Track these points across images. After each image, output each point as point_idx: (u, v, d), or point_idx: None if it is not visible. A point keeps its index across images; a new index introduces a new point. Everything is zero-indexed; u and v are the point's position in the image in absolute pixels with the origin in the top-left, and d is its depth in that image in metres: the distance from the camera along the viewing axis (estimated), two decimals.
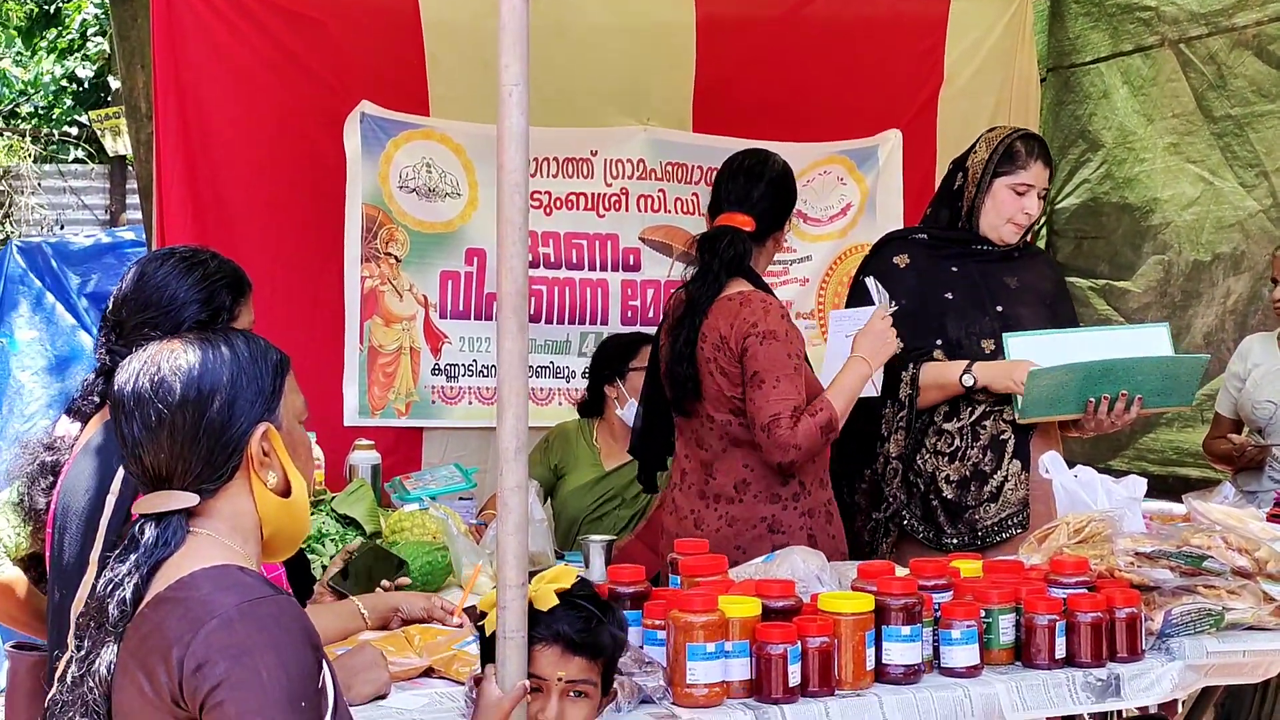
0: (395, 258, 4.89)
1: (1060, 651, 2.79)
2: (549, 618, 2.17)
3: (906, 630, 2.68)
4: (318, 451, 4.12)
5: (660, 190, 5.23)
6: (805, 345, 3.62)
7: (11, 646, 2.84)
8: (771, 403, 3.44)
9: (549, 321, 5.11)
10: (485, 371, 4.98)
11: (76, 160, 11.26)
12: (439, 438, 4.95)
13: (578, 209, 5.15)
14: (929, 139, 5.54)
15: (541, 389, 5.08)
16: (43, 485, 2.55)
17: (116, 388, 1.95)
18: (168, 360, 1.93)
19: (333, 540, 3.60)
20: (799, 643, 2.58)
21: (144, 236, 7.14)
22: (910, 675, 2.68)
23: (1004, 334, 3.76)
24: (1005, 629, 2.80)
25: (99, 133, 10.26)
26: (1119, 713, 4.87)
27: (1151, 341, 3.80)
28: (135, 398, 1.92)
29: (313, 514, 3.71)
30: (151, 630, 1.83)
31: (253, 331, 2.19)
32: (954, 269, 3.93)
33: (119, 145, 10.04)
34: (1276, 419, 4.27)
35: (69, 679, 1.90)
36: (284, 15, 4.71)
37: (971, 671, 2.73)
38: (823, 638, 2.60)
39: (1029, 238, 4.15)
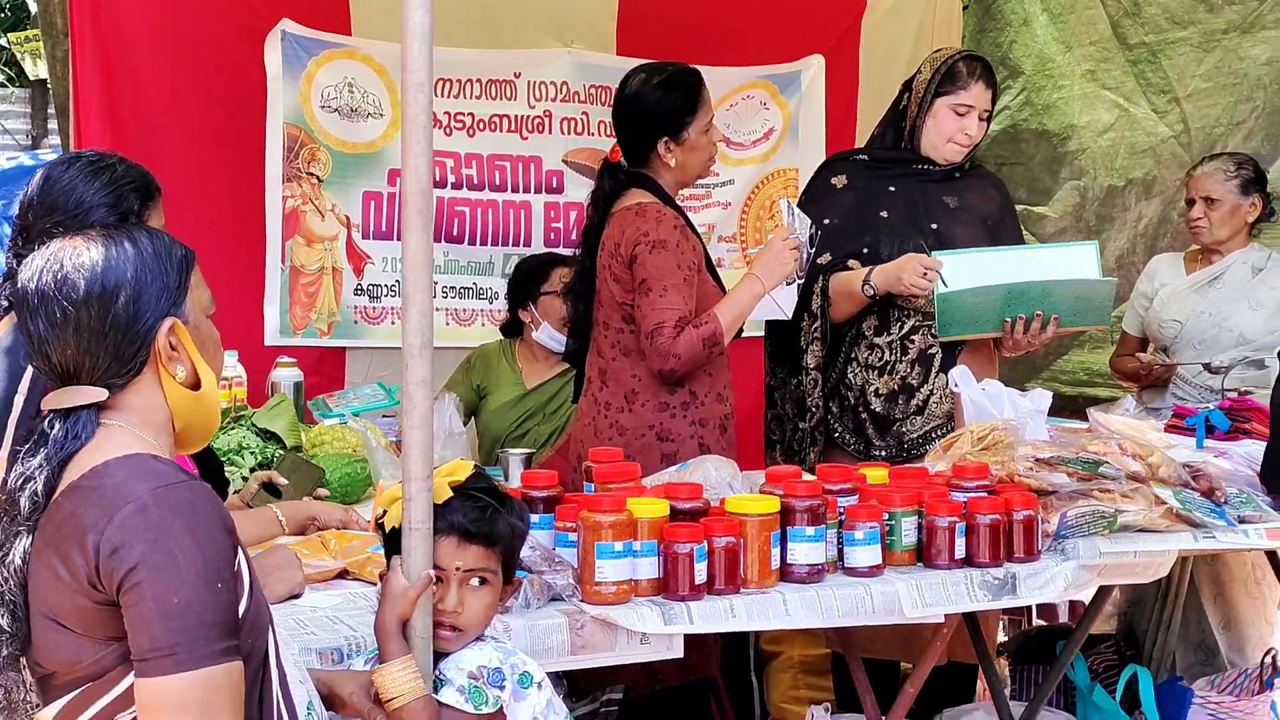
0: (317, 177, 4.88)
1: (960, 552, 2.87)
2: (445, 509, 2.20)
3: (811, 531, 2.75)
4: (240, 369, 4.14)
5: (584, 113, 5.25)
6: (701, 257, 3.67)
7: None
8: (656, 311, 3.51)
9: (472, 243, 5.13)
10: None
11: None
12: (362, 357, 4.97)
13: (501, 131, 5.16)
14: (852, 65, 5.60)
15: (465, 310, 5.11)
16: None
17: (20, 285, 1.95)
18: (71, 257, 1.94)
19: (252, 453, 3.62)
20: (705, 542, 2.64)
21: None
22: (814, 575, 2.76)
23: (934, 252, 3.81)
24: (907, 531, 2.88)
25: (19, 56, 10.09)
26: (1029, 619, 5.04)
27: (1078, 260, 3.86)
28: (39, 294, 1.93)
29: (233, 429, 3.74)
30: (66, 518, 1.85)
31: (112, 225, 2.21)
32: (891, 188, 3.98)
33: (39, 69, 9.88)
34: (1181, 337, 4.38)
35: None
36: None
37: (874, 571, 2.82)
38: (729, 538, 2.67)
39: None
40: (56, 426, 1.92)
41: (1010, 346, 3.82)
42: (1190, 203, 4.48)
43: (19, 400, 2.33)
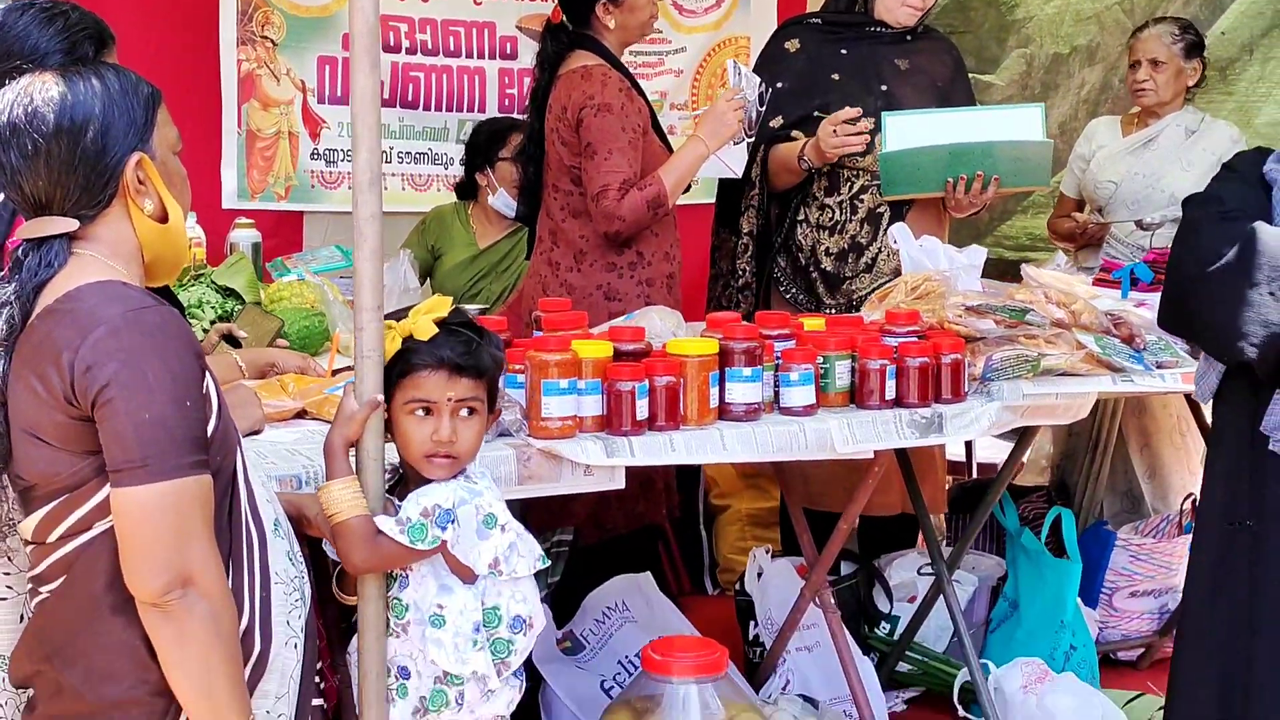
0: (272, 41, 4.91)
1: (890, 394, 3.02)
2: (431, 345, 2.29)
3: (748, 372, 2.89)
4: (199, 231, 4.22)
5: None
6: (647, 119, 3.75)
7: None
8: (601, 174, 3.62)
9: (427, 108, 5.18)
10: None
11: None
12: (319, 221, 5.04)
13: None
14: None
15: (420, 175, 5.18)
16: None
17: None
18: (40, 91, 2.02)
19: (212, 308, 3.72)
20: (647, 381, 2.77)
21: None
22: (751, 413, 2.90)
23: (883, 114, 3.89)
24: (841, 374, 3.02)
25: None
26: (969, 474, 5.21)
27: (1024, 122, 3.94)
28: (11, 127, 2.02)
29: (192, 285, 3.84)
30: (42, 339, 1.96)
31: (81, 63, 2.28)
32: (843, 51, 4.06)
33: None
34: (1116, 198, 4.50)
35: None
36: None
37: (808, 410, 2.96)
38: (669, 377, 2.80)
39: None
40: (30, 255, 2.02)
41: (954, 206, 3.93)
42: (1135, 65, 4.55)
43: None
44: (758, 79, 3.82)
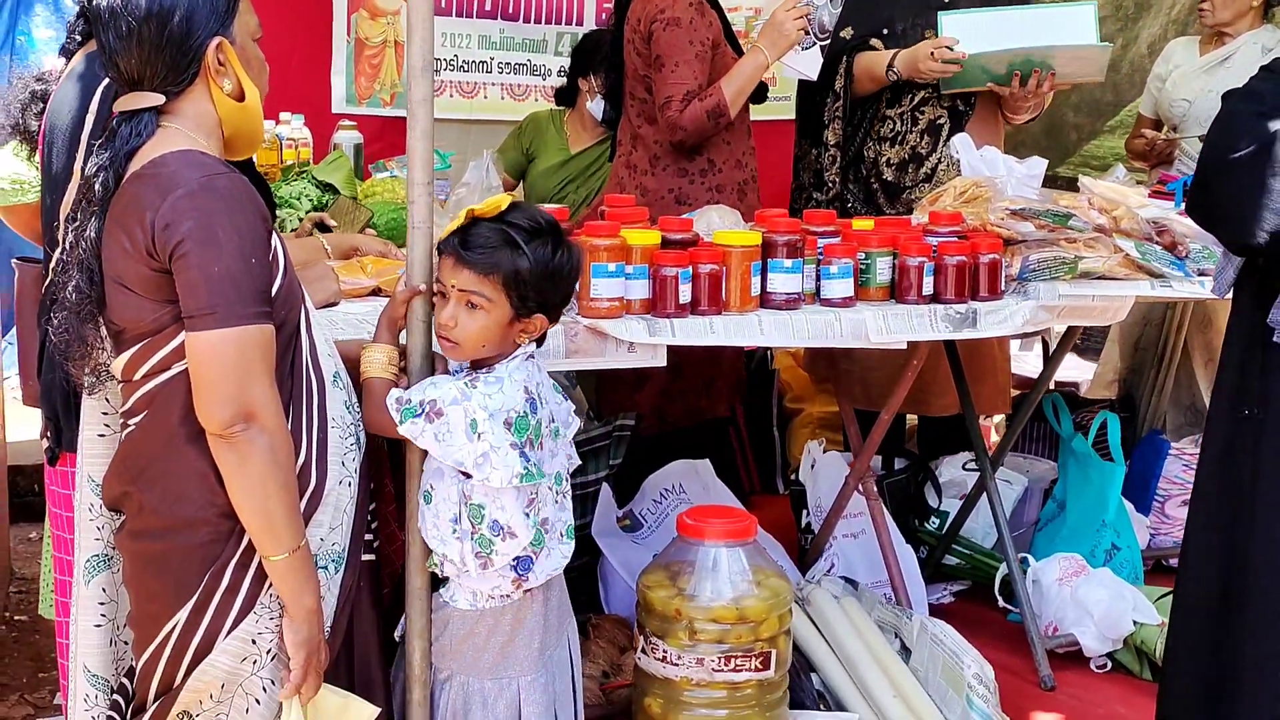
0: None
1: (928, 290, 3.18)
2: (461, 230, 2.47)
3: (789, 263, 3.08)
4: (306, 133, 4.49)
5: None
6: (718, 32, 3.88)
7: (18, 260, 3.27)
8: (667, 85, 3.79)
9: (527, 21, 5.38)
10: (465, 67, 5.29)
11: None
12: None
13: None
14: None
15: (519, 85, 5.40)
16: (34, 110, 2.94)
17: (95, 2, 2.31)
18: None
19: (309, 200, 3.98)
20: (691, 268, 2.98)
21: None
22: (790, 303, 3.09)
23: (940, 12, 3.99)
24: (881, 270, 3.19)
25: None
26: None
27: (1078, 20, 4.03)
28: (110, 11, 2.29)
29: (294, 180, 4.11)
30: (130, 200, 2.23)
31: None
32: None
33: None
34: (1189, 115, 4.56)
35: (67, 246, 2.32)
36: None
37: (846, 302, 3.14)
38: (712, 265, 3.00)
39: None
40: (123, 126, 2.30)
41: (1012, 106, 4.02)
42: None
43: (89, 119, 2.70)
44: None
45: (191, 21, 2.27)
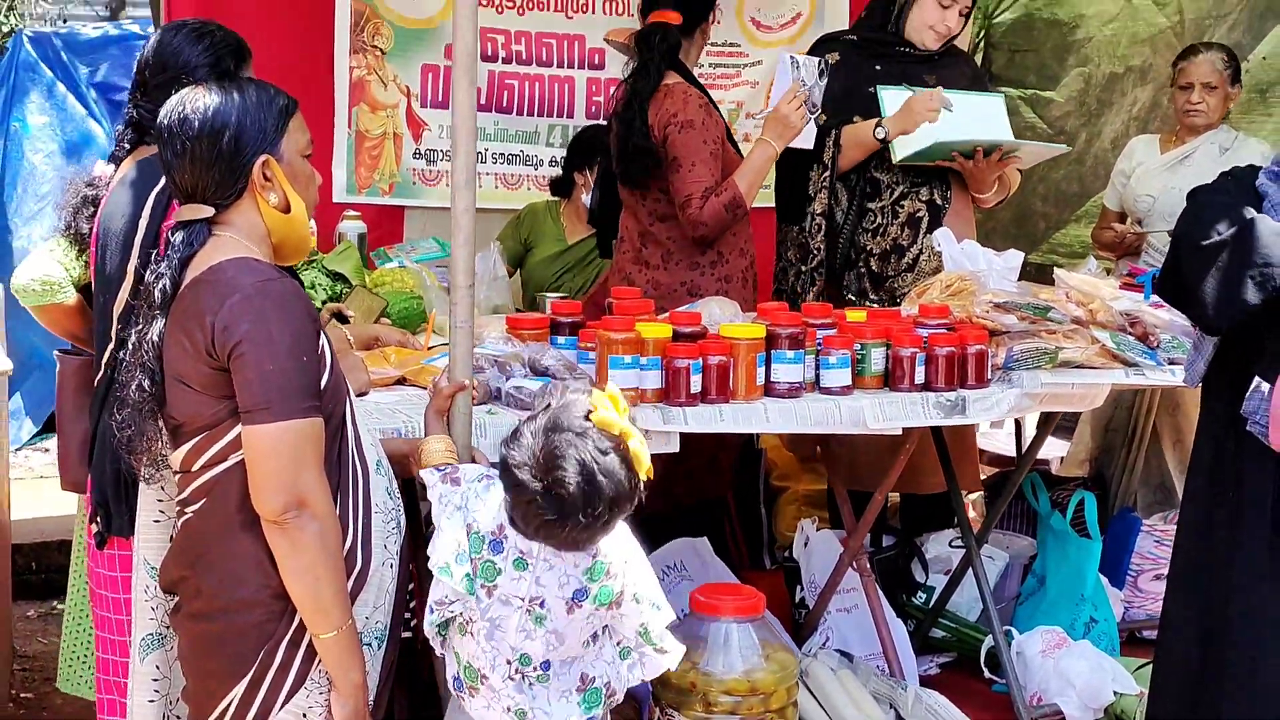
0: (381, 50, 5.38)
1: (920, 379, 3.39)
2: None
3: (791, 354, 3.28)
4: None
5: None
6: (723, 130, 4.13)
7: (59, 352, 3.44)
8: (686, 184, 4.02)
9: (520, 113, 5.61)
10: None
11: None
12: (419, 215, 5.50)
13: (549, 10, 5.60)
14: None
15: (512, 174, 5.62)
16: (86, 214, 3.13)
17: (158, 121, 2.51)
18: (191, 101, 2.49)
19: (323, 289, 4.17)
20: (701, 359, 3.18)
21: (150, 30, 7.58)
22: (793, 392, 3.29)
23: (879, 87, 4.28)
24: (876, 359, 3.40)
25: None
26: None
27: (992, 108, 4.39)
28: (169, 130, 2.49)
29: (305, 270, 4.30)
30: (190, 305, 2.42)
31: (233, 77, 2.73)
32: (878, 66, 4.44)
33: None
34: (1153, 210, 4.82)
35: (130, 348, 2.49)
36: None
37: (844, 391, 3.34)
38: (721, 356, 3.20)
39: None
40: (179, 235, 2.48)
41: (975, 181, 4.30)
42: (1187, 88, 4.86)
43: (142, 223, 2.89)
44: (815, 59, 4.18)
45: (240, 141, 2.46)
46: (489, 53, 5.48)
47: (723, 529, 4.92)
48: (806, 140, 4.21)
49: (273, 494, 2.35)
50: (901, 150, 4.23)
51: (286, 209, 2.52)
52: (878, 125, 4.27)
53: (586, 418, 2.42)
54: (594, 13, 5.66)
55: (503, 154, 5.62)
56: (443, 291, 4.31)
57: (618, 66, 5.67)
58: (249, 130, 2.47)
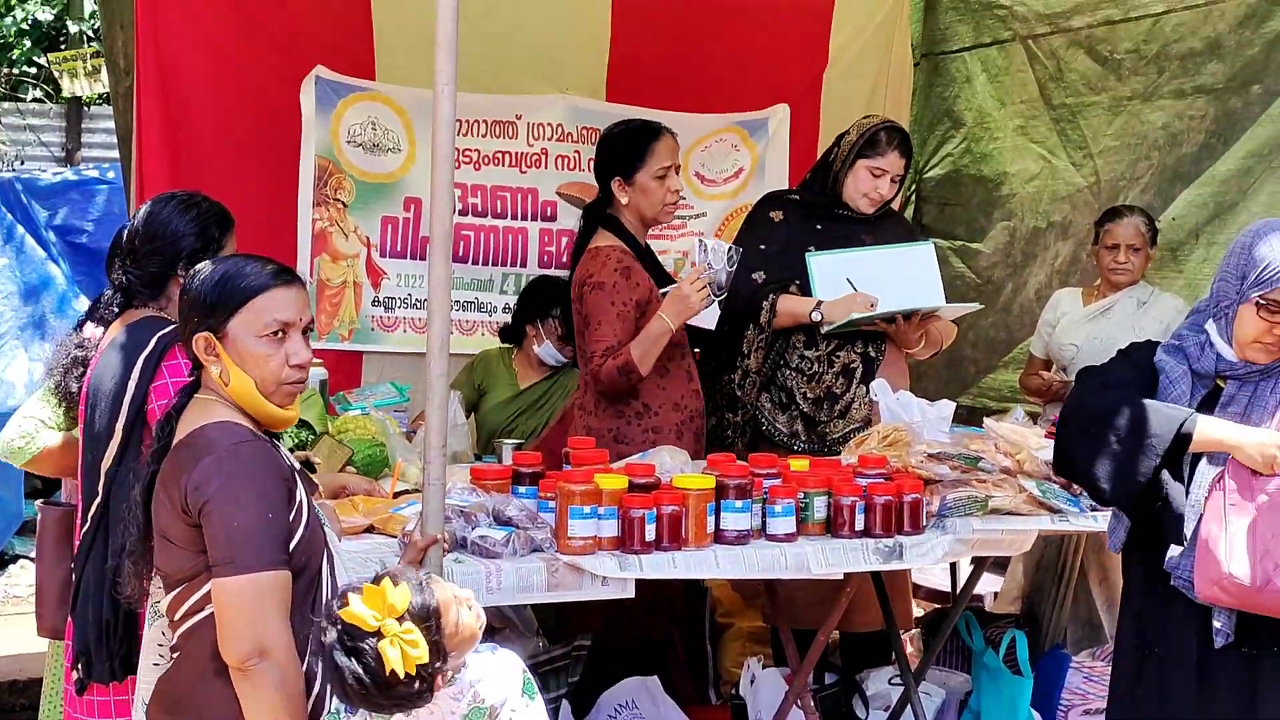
0: (343, 203, 5.62)
1: (860, 525, 3.61)
2: None
3: (739, 504, 3.49)
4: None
5: (576, 151, 5.97)
6: (645, 293, 4.28)
7: (42, 503, 3.58)
8: (590, 342, 4.27)
9: (475, 263, 5.85)
10: (419, 304, 5.72)
11: (35, 100, 11.84)
12: (377, 361, 5.70)
13: (503, 165, 5.88)
14: (814, 113, 6.32)
15: (467, 320, 5.84)
16: (75, 374, 3.30)
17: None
18: (196, 270, 2.72)
19: (290, 436, 4.34)
20: (655, 509, 3.38)
21: (109, 175, 7.82)
22: (741, 539, 3.50)
23: (808, 254, 4.56)
24: (819, 508, 3.61)
25: (57, 74, 10.81)
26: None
27: (921, 257, 4.69)
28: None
29: None
30: (171, 465, 2.61)
31: (240, 256, 2.93)
32: (818, 226, 4.74)
33: (75, 86, 10.62)
34: (1078, 359, 5.10)
35: (126, 501, 2.66)
36: None
37: (789, 538, 3.55)
38: (673, 506, 3.40)
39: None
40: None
41: (901, 340, 4.58)
42: (1114, 248, 5.18)
43: (131, 384, 3.08)
44: (727, 246, 4.33)
45: (188, 316, 2.69)
46: None
47: (668, 666, 5.08)
48: (708, 320, 4.35)
49: (236, 642, 2.51)
50: (829, 324, 4.51)
51: (228, 383, 2.67)
52: (814, 309, 4.52)
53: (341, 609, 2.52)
54: (546, 168, 5.94)
55: (458, 301, 5.84)
56: (404, 439, 4.50)
57: (570, 218, 5.97)
58: (195, 307, 2.68)
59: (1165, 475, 3.00)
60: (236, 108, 5.39)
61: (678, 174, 4.49)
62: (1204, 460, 3.01)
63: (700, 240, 4.37)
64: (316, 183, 5.57)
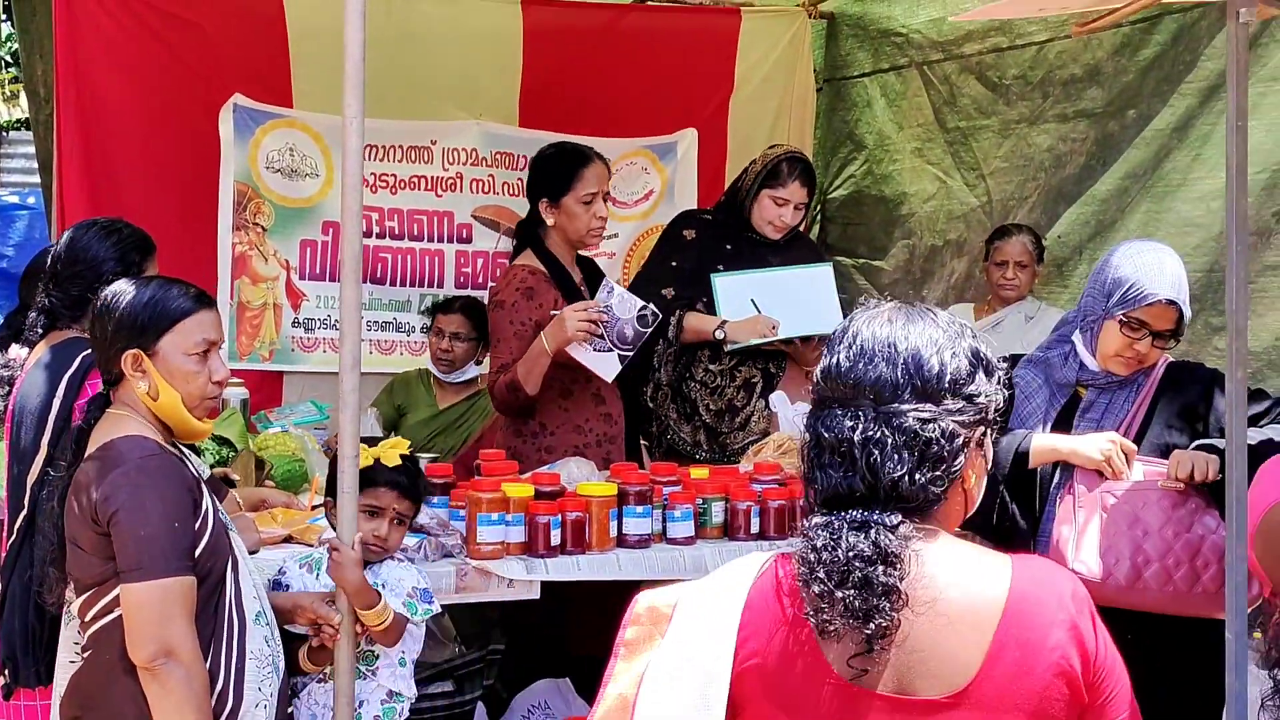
0: (262, 227, 5.77)
1: (755, 528, 3.81)
2: (395, 471, 3.16)
3: (640, 509, 3.68)
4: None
5: (490, 175, 6.17)
6: (546, 314, 4.38)
7: None
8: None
9: (393, 284, 6.02)
10: (338, 325, 5.85)
11: None
12: (297, 380, 5.86)
13: (419, 189, 6.06)
14: (721, 137, 6.57)
15: (386, 340, 6.01)
16: (1, 393, 3.44)
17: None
18: (109, 291, 2.89)
19: (211, 453, 4.48)
20: (560, 515, 3.56)
21: (29, 200, 7.89)
22: (642, 543, 3.69)
23: (713, 275, 4.77)
24: (716, 512, 3.81)
25: None
26: None
27: (820, 279, 4.90)
28: (92, 309, 2.90)
29: None
30: (83, 477, 2.77)
31: (162, 279, 3.09)
32: (728, 246, 4.95)
33: None
34: None
35: (46, 511, 2.81)
36: (165, 17, 5.57)
37: (688, 541, 3.75)
38: (577, 512, 3.59)
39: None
40: (88, 410, 2.85)
41: (803, 360, 4.78)
42: (1003, 264, 5.45)
43: (56, 402, 3.22)
44: (638, 302, 4.39)
45: (116, 334, 2.84)
46: (364, 229, 5.89)
47: (583, 669, 5.25)
48: (607, 370, 4.39)
49: (144, 644, 2.68)
50: (733, 343, 4.73)
51: (156, 397, 2.85)
52: (718, 328, 4.73)
53: None
54: (461, 191, 6.14)
55: (376, 322, 6.01)
56: (322, 454, 4.65)
57: (484, 240, 6.17)
58: (124, 327, 2.84)
59: (1006, 496, 3.25)
60: (156, 135, 5.54)
61: (605, 201, 4.60)
62: (1057, 472, 3.27)
63: (607, 281, 4.44)
64: (236, 208, 5.72)
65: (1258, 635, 2.59)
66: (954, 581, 1.80)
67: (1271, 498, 2.72)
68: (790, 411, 4.54)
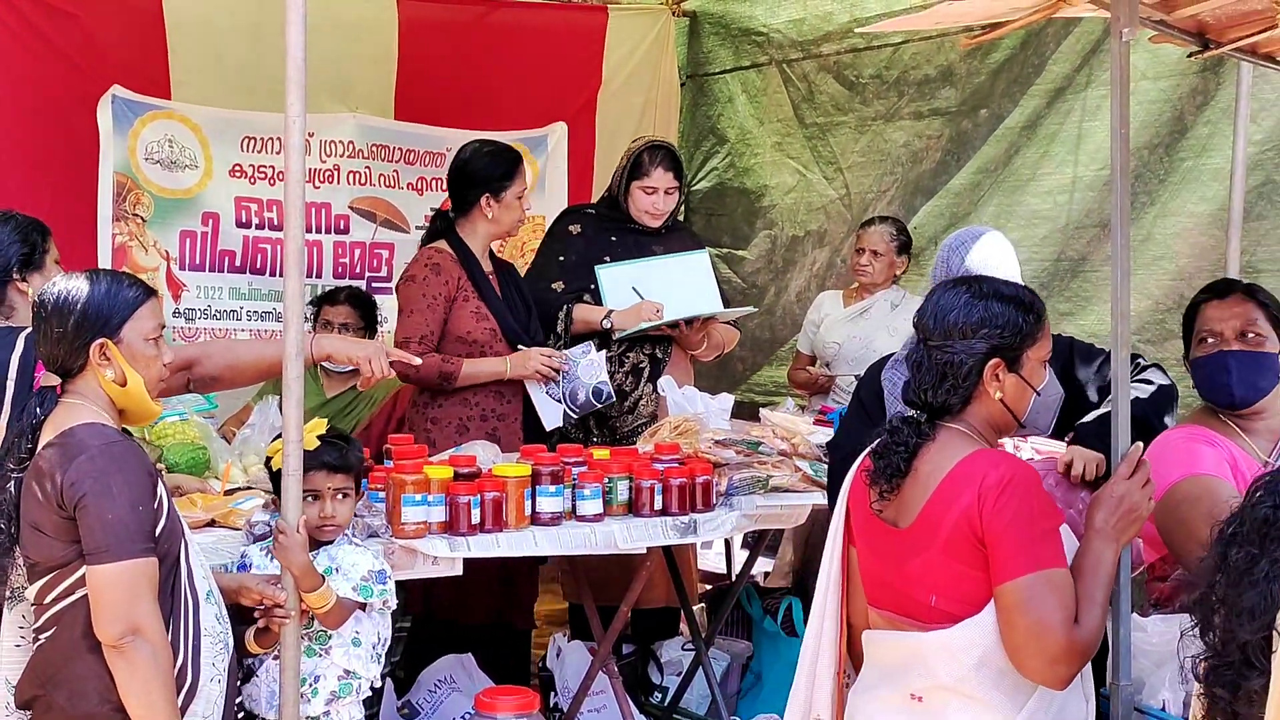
0: (141, 218, 5.79)
1: (658, 505, 4.02)
2: (316, 453, 3.28)
3: (553, 489, 3.88)
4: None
5: (367, 167, 6.28)
6: (453, 289, 4.66)
7: None
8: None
9: (273, 274, 6.08)
10: (218, 315, 5.93)
11: None
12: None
13: None
14: (589, 130, 6.78)
15: (267, 330, 6.06)
16: None
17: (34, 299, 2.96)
18: (57, 285, 2.95)
19: None
20: (479, 495, 3.74)
21: None
22: (555, 520, 3.88)
23: (597, 266, 5.01)
24: (621, 490, 4.02)
25: None
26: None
27: (698, 264, 5.16)
28: (36, 306, 2.96)
29: None
30: (44, 463, 2.84)
31: (104, 270, 3.17)
32: (613, 238, 5.17)
33: None
34: (839, 356, 5.65)
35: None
36: (43, 8, 5.54)
37: (597, 518, 3.95)
38: (495, 492, 3.77)
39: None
40: (33, 400, 2.92)
41: (685, 343, 5.06)
42: (860, 251, 5.75)
43: (9, 385, 3.28)
44: (603, 377, 4.79)
45: (81, 326, 2.92)
46: (243, 220, 5.97)
47: (488, 645, 5.40)
48: (549, 418, 4.76)
49: (111, 623, 2.78)
50: (620, 331, 4.96)
51: (124, 383, 2.96)
52: (605, 317, 4.96)
53: None
54: (338, 183, 6.23)
55: (257, 311, 6.07)
56: (224, 441, 4.72)
57: (361, 231, 6.28)
58: (90, 318, 2.92)
59: None
60: (33, 126, 5.51)
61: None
62: None
63: (589, 346, 4.81)
64: (115, 199, 5.72)
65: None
66: (934, 458, 2.68)
67: (1172, 477, 3.05)
68: (677, 395, 4.78)
